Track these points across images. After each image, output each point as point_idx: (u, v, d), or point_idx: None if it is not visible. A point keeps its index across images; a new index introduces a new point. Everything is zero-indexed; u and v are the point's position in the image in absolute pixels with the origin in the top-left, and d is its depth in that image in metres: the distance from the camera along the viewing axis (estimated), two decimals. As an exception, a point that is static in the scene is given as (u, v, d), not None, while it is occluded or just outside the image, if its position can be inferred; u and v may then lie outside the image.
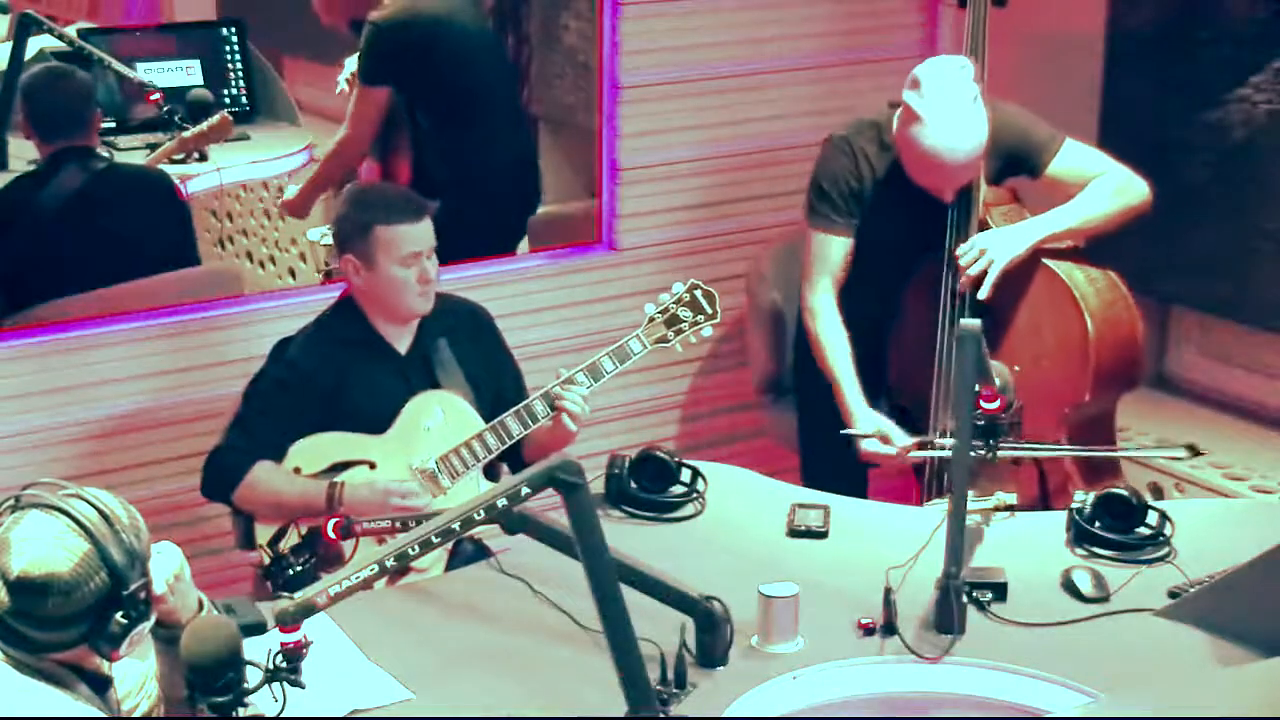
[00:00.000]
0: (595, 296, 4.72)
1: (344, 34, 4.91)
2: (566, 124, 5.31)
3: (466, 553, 3.60)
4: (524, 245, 4.96)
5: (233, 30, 5.42)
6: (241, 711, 2.41)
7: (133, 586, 2.39)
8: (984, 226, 3.86)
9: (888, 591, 3.12)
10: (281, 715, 2.49)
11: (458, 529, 2.61)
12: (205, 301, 4.36)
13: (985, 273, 3.76)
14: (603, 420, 4.46)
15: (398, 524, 3.19)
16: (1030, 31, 4.52)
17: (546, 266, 4.73)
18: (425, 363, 3.66)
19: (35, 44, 4.92)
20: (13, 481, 2.59)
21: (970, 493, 3.48)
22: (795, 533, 3.48)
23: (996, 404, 3.31)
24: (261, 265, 5.39)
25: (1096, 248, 3.98)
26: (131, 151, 4.96)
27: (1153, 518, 3.40)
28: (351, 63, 4.83)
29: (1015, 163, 3.91)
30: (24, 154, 4.65)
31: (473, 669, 3.00)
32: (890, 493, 4.26)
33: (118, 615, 2.39)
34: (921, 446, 3.74)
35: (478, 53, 4.93)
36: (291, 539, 3.46)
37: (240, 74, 5.41)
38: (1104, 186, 3.85)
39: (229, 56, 5.41)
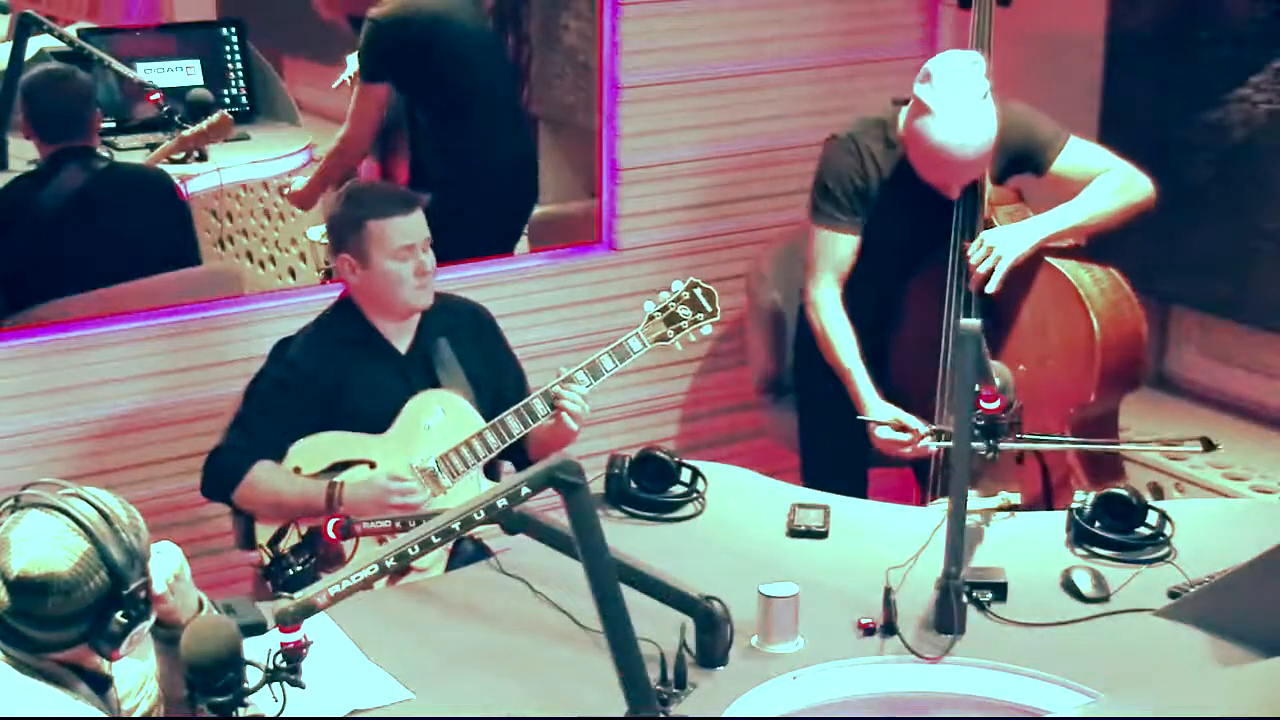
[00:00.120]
0: (595, 296, 4.72)
1: (343, 31, 4.91)
2: (566, 124, 5.31)
3: (466, 553, 3.60)
4: (524, 245, 4.97)
5: (233, 30, 5.42)
6: (241, 711, 2.41)
7: (133, 586, 2.39)
8: (989, 226, 3.86)
9: (888, 591, 3.12)
10: (281, 715, 2.49)
11: (458, 529, 2.61)
12: (205, 301, 4.36)
13: (993, 270, 3.76)
14: (603, 420, 4.46)
15: (398, 524, 3.19)
16: (1030, 31, 4.52)
17: (546, 266, 4.73)
18: (425, 362, 3.67)
19: (35, 44, 4.92)
20: (13, 481, 2.58)
21: (974, 492, 3.48)
22: (795, 533, 3.48)
23: (996, 404, 3.31)
24: (261, 265, 5.39)
25: (1096, 247, 3.98)
26: (131, 151, 4.96)
27: (1153, 518, 3.40)
28: (353, 61, 4.83)
29: (1020, 161, 3.91)
30: (24, 154, 4.65)
31: (473, 669, 3.00)
32: (890, 493, 4.26)
33: (118, 615, 2.39)
34: (936, 436, 3.73)
35: (477, 51, 4.94)
36: (291, 539, 3.45)
37: (240, 74, 5.41)
38: (1109, 183, 3.85)
39: (229, 56, 5.41)
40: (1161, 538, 3.38)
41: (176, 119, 5.03)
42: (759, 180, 4.89)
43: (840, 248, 3.93)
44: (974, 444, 3.36)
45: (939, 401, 3.84)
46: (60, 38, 4.97)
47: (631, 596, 2.66)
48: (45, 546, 2.35)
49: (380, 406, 3.59)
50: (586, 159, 4.95)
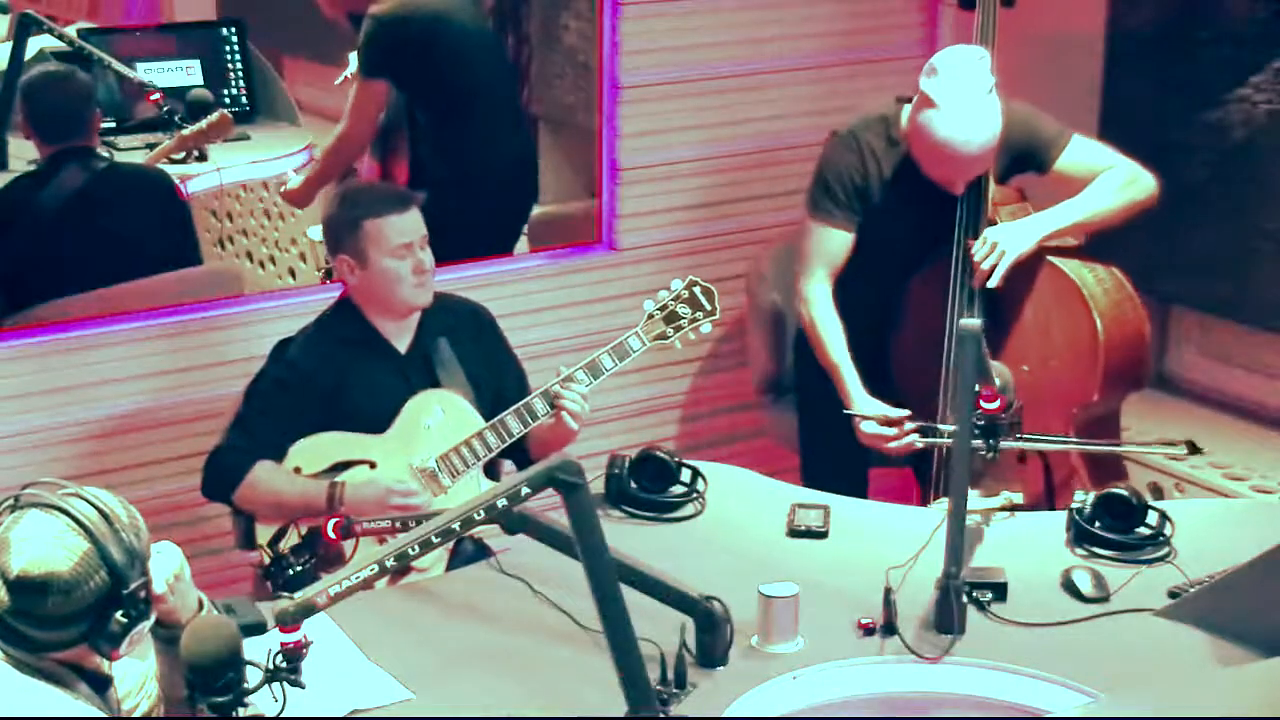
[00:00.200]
0: (595, 296, 4.72)
1: (344, 28, 4.90)
2: (566, 124, 5.31)
3: (466, 553, 3.60)
4: (524, 245, 4.97)
5: (233, 30, 5.42)
6: (241, 711, 2.41)
7: (132, 586, 2.39)
8: (992, 225, 3.86)
9: (888, 591, 3.12)
10: (281, 715, 2.49)
11: (458, 529, 2.61)
12: (205, 301, 4.36)
13: (996, 266, 3.76)
14: (603, 420, 4.46)
15: (398, 524, 3.19)
16: (1030, 32, 4.52)
17: (546, 266, 4.73)
18: (425, 362, 3.67)
19: (35, 44, 4.92)
20: (13, 481, 2.58)
21: (976, 492, 3.48)
22: (795, 533, 3.48)
23: (996, 404, 3.31)
24: (261, 265, 5.39)
25: (1096, 247, 3.98)
26: (131, 151, 4.96)
27: (1153, 518, 3.40)
28: (354, 59, 4.83)
29: (1023, 159, 3.91)
30: (24, 154, 4.65)
31: (473, 669, 3.00)
32: (890, 493, 4.25)
33: (117, 614, 2.39)
34: (922, 432, 3.73)
35: (477, 50, 4.93)
36: (291, 539, 3.45)
37: (240, 74, 5.41)
38: (1112, 180, 3.85)
39: (229, 56, 5.41)
40: (1161, 538, 3.37)
41: (176, 119, 5.03)
42: (759, 180, 4.89)
43: (835, 244, 3.93)
44: (945, 442, 3.39)
45: (942, 400, 3.84)
46: (60, 38, 4.98)
47: (631, 596, 2.66)
48: (45, 546, 2.35)
49: (380, 406, 3.59)
50: (586, 159, 4.95)
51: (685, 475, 3.61)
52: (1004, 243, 3.77)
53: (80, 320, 4.21)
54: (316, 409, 3.59)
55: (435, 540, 2.61)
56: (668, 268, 4.65)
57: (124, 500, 2.46)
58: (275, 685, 2.48)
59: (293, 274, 5.32)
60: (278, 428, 3.58)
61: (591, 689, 2.84)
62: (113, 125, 5.06)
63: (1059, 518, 3.48)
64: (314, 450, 3.58)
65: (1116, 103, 4.86)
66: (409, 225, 3.59)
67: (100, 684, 2.48)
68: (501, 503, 2.57)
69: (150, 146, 5.01)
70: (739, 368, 4.82)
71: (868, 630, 3.09)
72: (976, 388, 3.23)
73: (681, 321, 3.67)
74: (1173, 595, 3.20)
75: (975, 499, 3.46)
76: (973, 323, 3.14)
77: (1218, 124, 4.66)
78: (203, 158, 5.04)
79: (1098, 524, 3.39)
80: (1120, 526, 3.38)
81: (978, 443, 3.27)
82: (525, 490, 2.56)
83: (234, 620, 2.53)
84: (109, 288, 4.30)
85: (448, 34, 4.85)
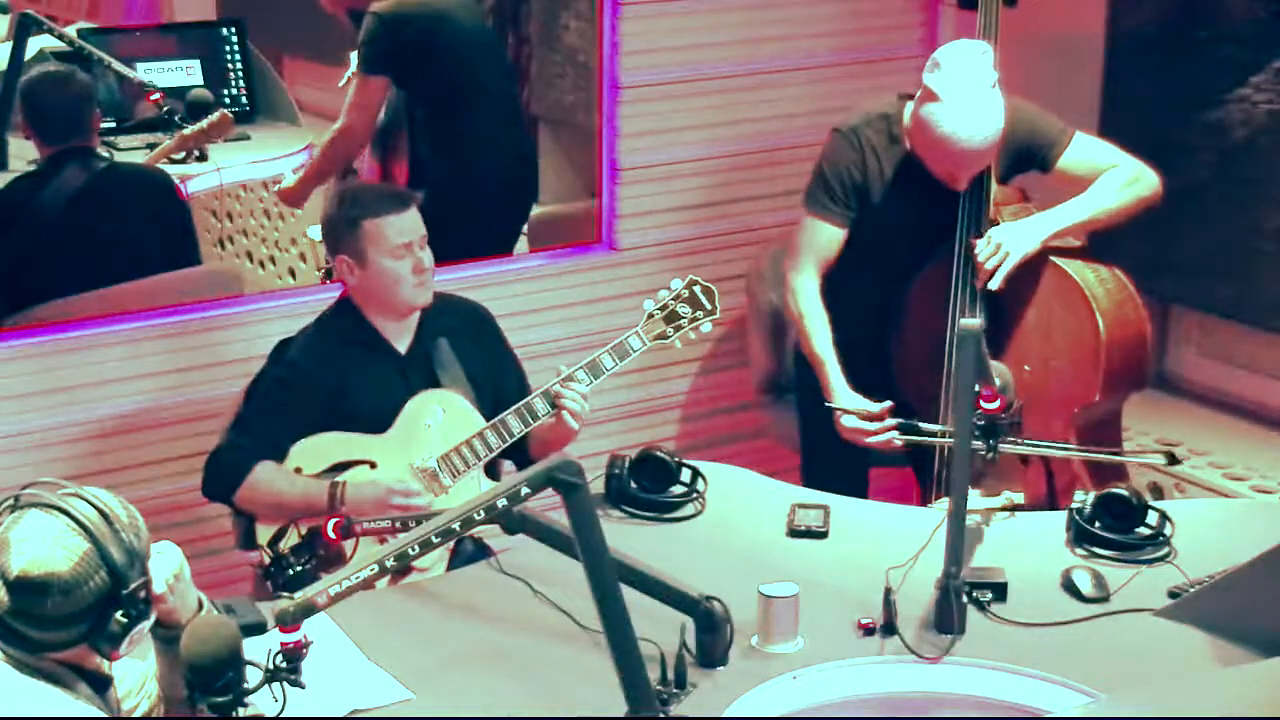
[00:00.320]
0: (595, 296, 4.71)
1: (344, 25, 4.90)
2: (566, 124, 5.31)
3: (467, 553, 3.60)
4: (524, 245, 4.97)
5: (233, 30, 5.43)
6: (241, 711, 2.41)
7: (132, 586, 2.39)
8: (994, 225, 3.85)
9: (888, 591, 3.12)
10: (281, 715, 2.49)
11: (458, 529, 2.61)
12: (205, 301, 4.36)
13: (1000, 266, 3.76)
14: (603, 420, 4.46)
15: (398, 524, 3.19)
16: (1031, 32, 4.52)
17: (546, 266, 4.73)
18: (425, 361, 3.67)
19: (35, 44, 4.93)
20: (13, 481, 2.58)
21: (977, 492, 3.48)
22: (795, 533, 3.48)
23: (996, 404, 3.31)
24: (261, 265, 5.39)
25: (1096, 247, 3.98)
26: (131, 151, 4.96)
27: (1153, 518, 3.40)
28: (356, 58, 4.82)
29: (1026, 158, 3.91)
30: (24, 154, 4.65)
31: (473, 669, 3.00)
32: (890, 493, 4.26)
33: (117, 615, 2.39)
34: (902, 429, 3.73)
35: (477, 49, 4.93)
36: (292, 539, 3.46)
37: (240, 74, 5.42)
38: (1115, 179, 3.85)
39: (229, 56, 5.41)
40: (1161, 538, 3.37)
41: (176, 119, 5.03)
42: (759, 180, 4.89)
43: (826, 238, 3.93)
44: (925, 440, 3.40)
45: (943, 400, 3.84)
46: (60, 38, 4.98)
47: (631, 596, 2.66)
48: (45, 546, 2.35)
49: (381, 406, 3.59)
50: (586, 159, 4.95)
51: (685, 475, 3.61)
52: (1008, 243, 3.77)
53: (80, 320, 4.21)
54: (317, 409, 3.59)
55: (435, 540, 2.61)
56: (668, 268, 4.64)
57: (124, 500, 2.46)
58: (275, 685, 2.48)
59: (293, 274, 5.32)
60: (278, 428, 3.58)
61: (591, 689, 2.84)
62: (113, 125, 5.06)
63: (1059, 518, 3.47)
64: (314, 450, 3.58)
65: (1117, 103, 4.86)
66: (408, 225, 3.59)
67: (100, 684, 2.48)
68: (501, 503, 2.57)
69: (150, 146, 5.01)
70: (739, 368, 4.82)
71: (868, 630, 3.09)
72: (976, 388, 3.23)
73: (682, 321, 3.67)
74: (1173, 595, 3.20)
75: (976, 499, 3.46)
76: (973, 322, 3.14)
77: (1218, 124, 4.66)
78: (203, 158, 5.04)
79: (1098, 524, 3.38)
80: (1120, 526, 3.38)
81: (947, 441, 3.26)
82: (525, 490, 2.56)
83: (234, 620, 2.53)
84: (109, 288, 4.30)
85: (448, 32, 4.85)
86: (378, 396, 3.60)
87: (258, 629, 2.67)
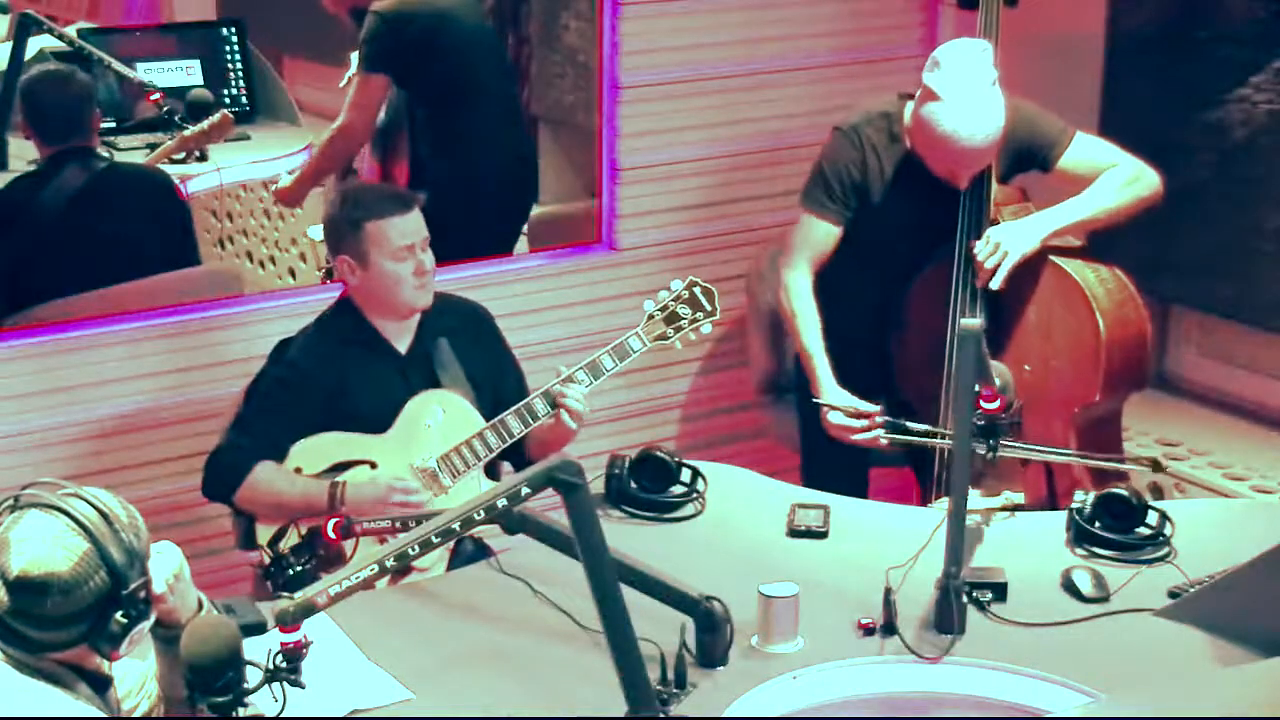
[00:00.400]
0: (595, 296, 4.71)
1: (346, 25, 4.90)
2: (566, 124, 5.31)
3: (467, 552, 3.60)
4: (524, 245, 4.97)
5: (233, 30, 5.43)
6: (241, 711, 2.41)
7: (132, 586, 2.39)
8: (994, 225, 3.85)
9: (888, 591, 3.12)
10: (281, 715, 2.49)
11: (458, 529, 2.61)
12: (205, 301, 4.36)
13: (1000, 266, 3.76)
14: (603, 420, 4.46)
15: (398, 524, 3.19)
16: (1031, 32, 4.52)
17: (546, 266, 4.73)
18: (425, 362, 3.67)
19: (35, 44, 4.93)
20: (13, 481, 2.58)
21: (977, 492, 3.48)
22: (795, 533, 3.48)
23: (996, 404, 3.31)
24: (261, 265, 5.40)
25: (1096, 247, 3.98)
26: (131, 151, 4.96)
27: (1153, 518, 3.40)
28: (356, 58, 4.83)
29: (1026, 157, 3.91)
30: (24, 154, 4.65)
31: (473, 669, 3.00)
32: (890, 493, 4.26)
33: (117, 615, 2.39)
34: (889, 428, 3.73)
35: (477, 49, 4.93)
36: (292, 539, 3.46)
37: (240, 74, 5.42)
38: (1116, 178, 3.85)
39: (229, 56, 5.41)
40: (1161, 538, 3.37)
41: (176, 119, 5.03)
42: (759, 180, 4.89)
43: (820, 235, 3.93)
44: (912, 440, 3.39)
45: (943, 400, 3.84)
46: (60, 38, 4.98)
47: (631, 596, 2.66)
48: (45, 546, 2.35)
49: (380, 406, 3.59)
50: (586, 159, 4.95)
51: (685, 475, 3.61)
52: (1007, 242, 3.77)
53: (80, 320, 4.21)
54: (317, 409, 3.59)
55: (435, 540, 2.61)
56: (668, 268, 4.65)
57: (124, 500, 2.46)
58: (275, 685, 2.48)
59: (293, 274, 5.32)
60: (278, 427, 3.58)
61: (591, 689, 2.84)
62: (113, 125, 5.07)
63: (1059, 518, 3.47)
64: (314, 450, 3.58)
65: (1117, 103, 4.86)
66: (411, 227, 3.59)
67: (100, 684, 2.48)
68: (501, 503, 2.57)
69: (151, 146, 5.01)
70: (739, 368, 4.82)
71: (868, 630, 3.09)
72: (976, 388, 3.23)
73: (682, 322, 3.67)
74: (1173, 595, 3.20)
75: (976, 499, 3.46)
76: (973, 322, 3.14)
77: (1218, 124, 4.66)
78: (203, 158, 5.04)
79: (1098, 524, 3.38)
80: (1120, 526, 3.38)
81: (934, 442, 3.25)
82: (525, 490, 2.56)
83: (234, 620, 2.53)
84: (109, 288, 4.30)
85: (450, 31, 4.85)
86: (378, 396, 3.60)
87: (258, 629, 2.67)
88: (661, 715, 2.72)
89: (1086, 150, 3.89)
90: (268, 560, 3.35)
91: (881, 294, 3.97)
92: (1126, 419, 4.10)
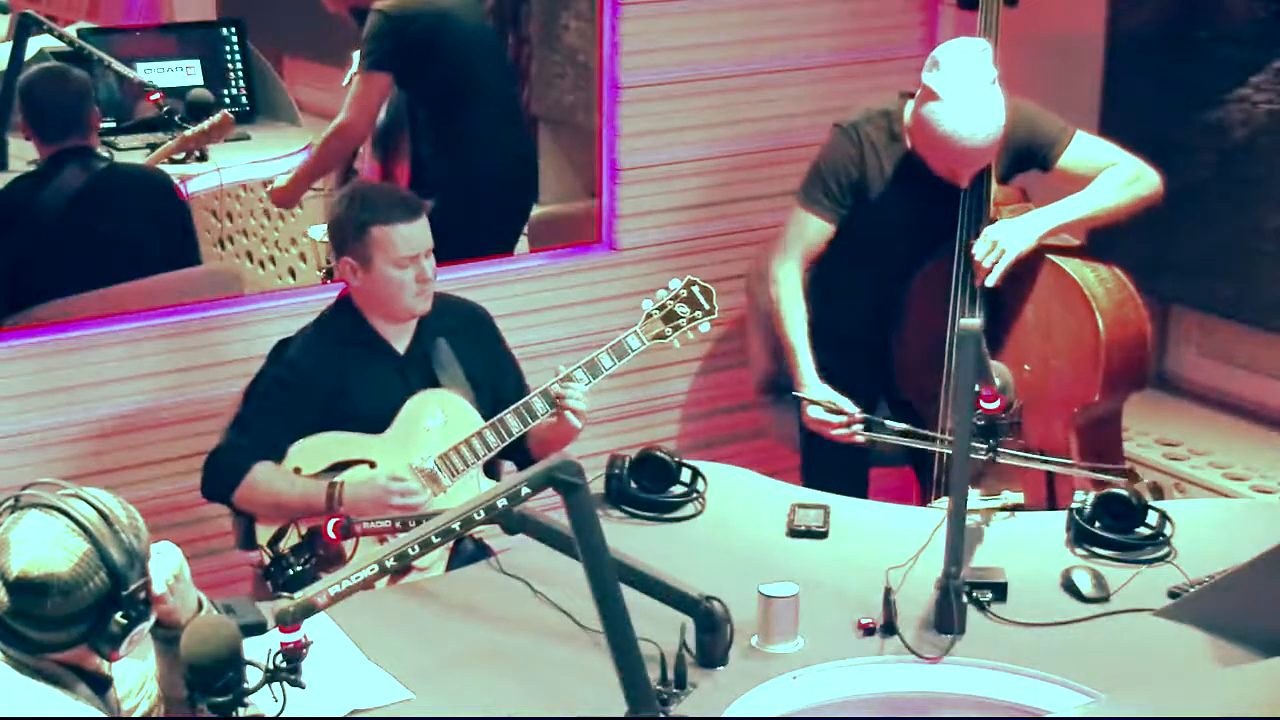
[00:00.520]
0: (595, 296, 4.71)
1: (348, 24, 4.90)
2: (566, 124, 5.31)
3: (467, 552, 3.60)
4: (524, 245, 4.97)
5: (233, 30, 5.43)
6: (241, 711, 2.41)
7: (132, 586, 2.39)
8: (993, 224, 3.85)
9: (888, 591, 3.12)
10: (281, 715, 2.49)
11: (458, 529, 2.61)
12: (205, 301, 4.36)
13: (997, 264, 3.76)
14: (603, 420, 4.46)
15: (398, 524, 3.19)
16: (1031, 32, 4.52)
17: (546, 266, 4.73)
18: (424, 362, 3.66)
19: (35, 44, 4.93)
20: (13, 481, 2.58)
21: (976, 492, 3.48)
22: (795, 533, 3.48)
23: (996, 404, 3.31)
24: (261, 265, 5.40)
25: (1096, 247, 3.98)
26: (131, 151, 4.97)
27: (1153, 518, 3.40)
28: (358, 57, 4.83)
29: (1026, 157, 3.90)
30: (24, 154, 4.65)
31: (473, 669, 3.00)
32: (890, 493, 4.26)
33: (117, 615, 2.39)
34: (867, 425, 3.73)
35: (478, 49, 4.94)
36: (291, 539, 3.46)
37: (240, 74, 5.42)
38: (1115, 177, 3.84)
39: (229, 56, 5.42)
40: (1161, 538, 3.37)
41: (176, 119, 5.03)
42: (759, 180, 4.89)
43: (813, 231, 3.93)
44: (889, 439, 3.38)
45: (943, 400, 3.84)
46: (60, 38, 4.98)
47: (631, 596, 2.66)
48: (45, 547, 2.35)
49: (380, 406, 3.59)
50: (586, 159, 4.95)
51: (685, 475, 3.61)
52: (1004, 240, 3.77)
53: (80, 320, 4.21)
54: (316, 409, 3.58)
55: (435, 540, 2.61)
56: (667, 268, 4.64)
57: (124, 501, 2.46)
58: (275, 685, 2.48)
59: (293, 274, 5.33)
60: (277, 427, 3.57)
61: (591, 689, 2.84)
62: (113, 125, 5.07)
63: (1059, 518, 3.47)
64: (313, 450, 3.57)
65: (1117, 103, 4.86)
66: (417, 236, 3.57)
67: (100, 685, 2.48)
68: (501, 503, 2.57)
69: (151, 146, 5.02)
70: (739, 368, 4.82)
71: (868, 630, 3.09)
72: (976, 388, 3.23)
73: (680, 321, 3.67)
74: (1173, 595, 3.20)
75: (976, 499, 3.46)
76: (972, 322, 3.14)
77: (1218, 124, 4.66)
78: (203, 158, 5.04)
79: (1098, 524, 3.38)
80: (1120, 526, 3.38)
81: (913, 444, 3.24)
82: (525, 490, 2.56)
83: (234, 620, 2.52)
84: (109, 288, 4.30)
85: (451, 31, 4.85)
86: (377, 396, 3.60)
87: (258, 629, 2.67)
88: (661, 715, 2.72)
89: (1086, 149, 3.89)
90: (268, 560, 3.35)
91: (881, 293, 3.97)
92: (1126, 419, 4.11)
